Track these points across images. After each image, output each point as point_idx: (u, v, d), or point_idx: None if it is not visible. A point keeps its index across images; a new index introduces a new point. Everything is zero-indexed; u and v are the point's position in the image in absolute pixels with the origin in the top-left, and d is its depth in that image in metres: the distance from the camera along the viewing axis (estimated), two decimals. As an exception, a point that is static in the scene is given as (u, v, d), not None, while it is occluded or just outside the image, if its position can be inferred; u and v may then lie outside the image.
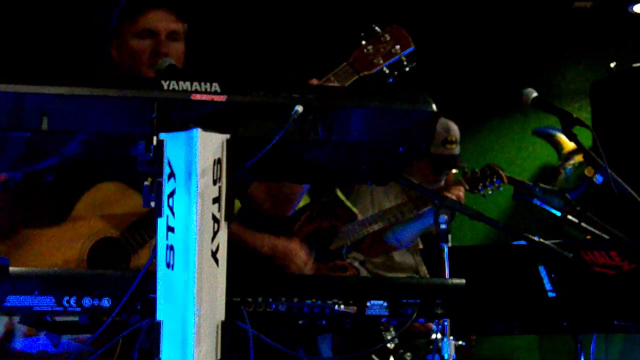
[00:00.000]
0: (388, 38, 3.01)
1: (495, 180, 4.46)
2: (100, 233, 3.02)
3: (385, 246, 4.57)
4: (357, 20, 2.99)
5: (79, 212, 3.02)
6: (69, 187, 3.01)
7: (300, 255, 3.87)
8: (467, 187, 4.45)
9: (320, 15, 5.58)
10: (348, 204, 4.41)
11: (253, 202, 3.58)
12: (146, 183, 3.09)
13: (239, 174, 2.11)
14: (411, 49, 3.00)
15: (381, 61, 2.99)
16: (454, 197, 4.32)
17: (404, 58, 2.99)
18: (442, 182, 4.78)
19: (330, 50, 3.01)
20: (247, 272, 2.13)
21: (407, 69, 2.99)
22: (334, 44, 3.28)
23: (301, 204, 4.19)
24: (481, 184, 4.45)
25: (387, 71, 2.99)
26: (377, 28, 3.01)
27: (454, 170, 4.80)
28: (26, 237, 2.96)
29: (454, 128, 4.73)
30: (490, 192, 4.48)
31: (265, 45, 5.47)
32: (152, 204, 1.98)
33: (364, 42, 3.00)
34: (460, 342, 4.26)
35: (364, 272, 4.60)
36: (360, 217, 4.40)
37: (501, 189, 4.45)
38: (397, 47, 3.00)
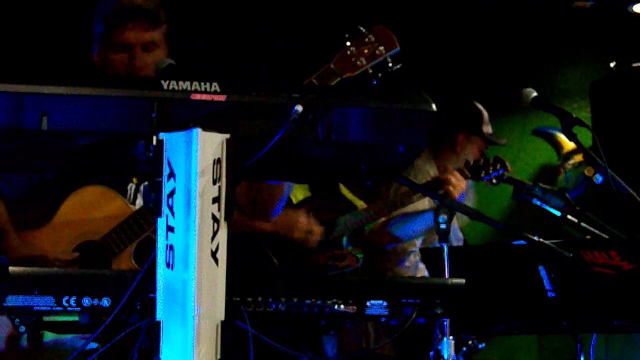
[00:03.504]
0: (373, 39, 2.93)
1: (499, 168, 4.43)
2: (83, 237, 3.03)
3: (391, 237, 4.54)
4: (351, 21, 2.96)
5: (62, 216, 3.03)
6: (61, 189, 3.03)
7: (301, 221, 3.87)
8: (469, 175, 4.42)
9: (309, 17, 5.57)
10: (350, 197, 4.40)
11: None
12: (131, 185, 3.13)
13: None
14: (397, 50, 2.92)
15: (365, 62, 2.90)
16: (452, 180, 4.29)
17: (389, 59, 2.90)
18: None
19: (316, 52, 2.98)
20: (247, 272, 2.14)
21: (392, 70, 2.93)
22: (320, 45, 3.26)
23: (301, 197, 4.21)
24: (484, 172, 4.42)
25: (371, 72, 2.93)
26: (362, 29, 2.95)
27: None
28: (15, 240, 2.98)
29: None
30: (495, 181, 4.43)
31: (252, 45, 5.47)
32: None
33: (348, 44, 2.93)
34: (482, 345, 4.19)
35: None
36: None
37: (506, 177, 4.40)
38: (382, 48, 2.90)
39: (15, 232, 2.98)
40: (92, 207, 3.05)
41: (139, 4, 3.12)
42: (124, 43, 3.09)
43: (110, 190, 3.07)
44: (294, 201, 4.19)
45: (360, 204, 4.44)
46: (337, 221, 4.22)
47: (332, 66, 2.93)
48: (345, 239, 4.25)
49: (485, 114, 4.93)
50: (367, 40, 2.93)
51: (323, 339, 3.96)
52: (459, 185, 4.34)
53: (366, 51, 2.93)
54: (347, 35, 2.93)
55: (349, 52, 2.92)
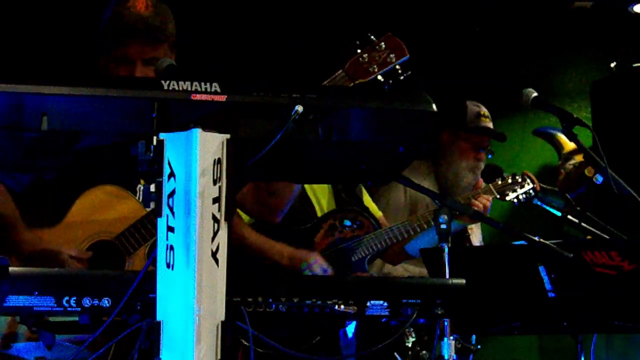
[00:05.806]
0: (383, 47, 3.03)
1: (527, 186, 4.35)
2: (96, 236, 3.03)
3: (406, 256, 4.50)
4: (358, 23, 3.00)
5: (74, 215, 3.03)
6: (67, 189, 3.03)
7: (320, 264, 3.87)
8: (498, 196, 4.36)
9: (319, 23, 5.57)
10: (374, 210, 4.34)
11: (241, 208, 3.59)
12: (140, 186, 3.13)
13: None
14: (406, 57, 3.02)
15: (376, 69, 3.01)
16: (480, 205, 4.24)
17: (398, 67, 3.01)
18: (483, 163, 4.76)
19: (326, 58, 3.02)
20: (247, 272, 2.14)
21: (402, 77, 3.00)
22: (330, 51, 3.30)
23: (325, 205, 4.19)
24: (511, 192, 4.35)
25: (381, 79, 3.00)
26: (372, 37, 3.03)
27: (482, 183, 4.70)
28: (27, 234, 2.97)
29: (482, 105, 4.82)
30: (522, 198, 4.35)
31: (252, 45, 5.47)
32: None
33: (359, 51, 3.02)
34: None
35: None
36: (385, 220, 4.34)
37: (532, 195, 4.32)
38: (392, 55, 3.02)
39: (26, 228, 2.97)
40: (104, 207, 3.05)
41: (144, 18, 3.04)
42: (125, 57, 3.06)
43: (123, 190, 3.06)
44: (318, 212, 4.15)
45: (380, 215, 4.38)
46: (361, 241, 4.17)
47: (344, 71, 2.99)
48: (367, 261, 4.19)
49: (474, 108, 4.79)
50: (377, 47, 3.02)
51: (340, 341, 3.93)
52: (487, 205, 4.30)
53: (377, 58, 3.01)
54: (357, 42, 3.00)
55: (360, 59, 3.01)
